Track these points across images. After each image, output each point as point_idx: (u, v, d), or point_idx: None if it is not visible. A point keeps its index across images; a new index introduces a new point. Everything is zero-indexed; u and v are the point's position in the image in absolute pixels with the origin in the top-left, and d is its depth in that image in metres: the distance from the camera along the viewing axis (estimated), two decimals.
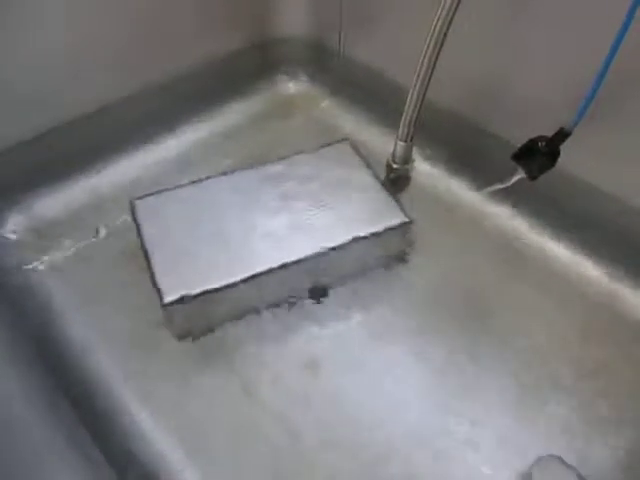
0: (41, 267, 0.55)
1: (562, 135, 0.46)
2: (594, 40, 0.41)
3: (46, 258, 0.56)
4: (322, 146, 0.59)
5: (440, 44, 0.47)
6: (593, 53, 0.41)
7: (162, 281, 0.47)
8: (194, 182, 0.55)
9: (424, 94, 0.50)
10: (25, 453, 0.36)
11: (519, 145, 0.49)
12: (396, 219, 0.52)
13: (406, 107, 0.52)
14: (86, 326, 0.51)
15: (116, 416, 0.45)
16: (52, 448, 0.37)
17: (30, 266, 0.55)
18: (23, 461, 0.35)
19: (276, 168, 0.57)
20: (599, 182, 0.53)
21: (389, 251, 0.55)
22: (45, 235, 0.57)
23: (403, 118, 0.53)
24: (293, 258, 0.49)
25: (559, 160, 0.48)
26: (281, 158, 0.58)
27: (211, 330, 0.50)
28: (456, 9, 0.44)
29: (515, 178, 0.51)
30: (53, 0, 0.52)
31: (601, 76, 0.41)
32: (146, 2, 0.59)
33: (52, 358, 0.48)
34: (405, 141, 0.55)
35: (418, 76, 0.49)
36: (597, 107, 0.42)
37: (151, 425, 0.45)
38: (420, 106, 0.51)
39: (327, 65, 0.75)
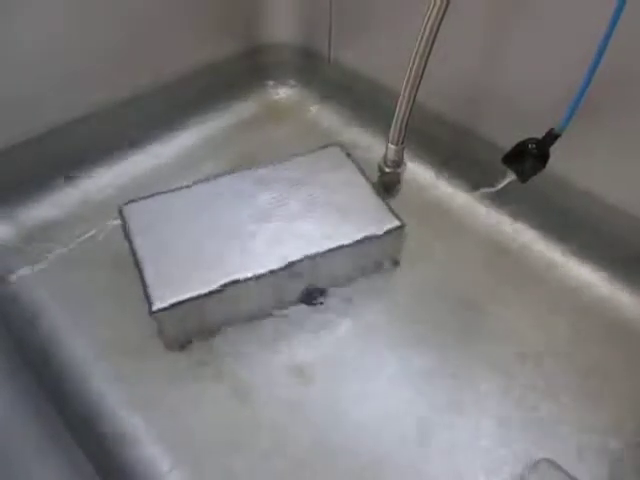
0: (29, 274, 0.54)
1: (552, 137, 0.46)
2: (582, 41, 0.42)
3: (34, 265, 0.55)
4: (313, 150, 0.59)
5: (429, 47, 0.47)
6: (581, 54, 0.41)
7: (152, 287, 0.46)
8: (184, 187, 0.55)
9: (414, 98, 0.50)
10: (10, 459, 0.35)
11: (509, 147, 0.50)
12: (388, 223, 0.52)
13: (397, 111, 0.52)
14: (75, 333, 0.50)
15: (104, 421, 0.45)
16: (38, 453, 0.37)
17: (17, 273, 0.54)
18: (7, 467, 0.35)
19: (267, 172, 0.56)
20: (589, 184, 0.53)
21: (381, 255, 0.55)
22: (32, 242, 0.57)
23: (394, 122, 0.53)
24: (283, 263, 0.48)
25: (549, 162, 0.48)
26: (271, 162, 0.57)
27: (201, 336, 0.50)
28: (445, 12, 0.44)
29: (506, 181, 0.51)
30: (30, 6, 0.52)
31: (589, 77, 0.41)
32: (137, 9, 0.59)
33: (39, 365, 0.47)
34: (396, 144, 0.55)
35: (408, 80, 0.49)
36: (586, 108, 0.43)
37: (140, 430, 0.44)
38: (411, 110, 0.51)
39: (317, 70, 0.75)
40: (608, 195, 0.52)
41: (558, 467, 0.41)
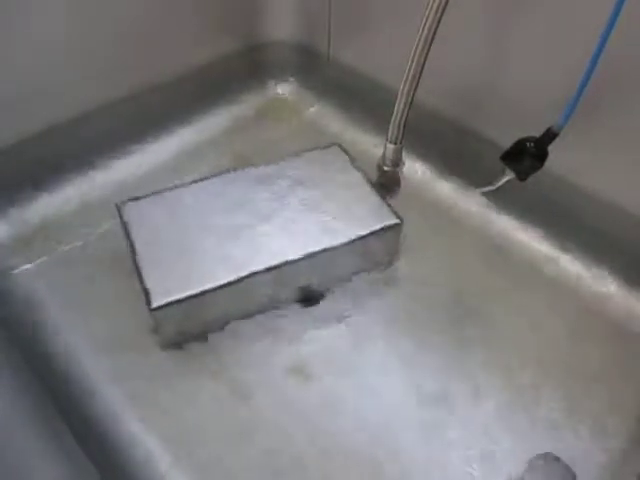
0: (28, 273, 0.54)
1: (550, 135, 0.46)
2: (581, 40, 0.42)
3: (33, 263, 0.55)
4: (312, 149, 0.59)
5: (428, 46, 0.47)
6: (580, 53, 0.41)
7: (151, 285, 0.46)
8: (183, 185, 0.55)
9: (413, 96, 0.50)
10: (10, 458, 0.35)
11: (508, 146, 0.50)
12: (387, 221, 0.52)
13: (395, 110, 0.52)
14: (74, 331, 0.50)
15: (104, 420, 0.45)
16: (37, 452, 0.37)
17: (17, 271, 0.54)
18: (7, 465, 0.35)
19: (266, 171, 0.56)
20: (588, 182, 0.53)
21: (380, 252, 0.55)
22: (32, 240, 0.57)
23: (392, 120, 0.53)
24: (282, 261, 0.48)
25: (548, 161, 0.48)
26: (271, 161, 0.57)
27: (200, 334, 0.50)
28: (444, 11, 0.44)
29: (504, 179, 0.51)
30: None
31: (588, 76, 0.41)
32: (137, 8, 0.59)
33: (38, 362, 0.47)
34: (395, 143, 0.55)
35: (407, 79, 0.49)
36: (585, 107, 0.43)
37: (139, 429, 0.44)
38: (409, 108, 0.51)
39: (316, 69, 0.75)
40: (607, 193, 0.52)
41: (555, 460, 0.41)
